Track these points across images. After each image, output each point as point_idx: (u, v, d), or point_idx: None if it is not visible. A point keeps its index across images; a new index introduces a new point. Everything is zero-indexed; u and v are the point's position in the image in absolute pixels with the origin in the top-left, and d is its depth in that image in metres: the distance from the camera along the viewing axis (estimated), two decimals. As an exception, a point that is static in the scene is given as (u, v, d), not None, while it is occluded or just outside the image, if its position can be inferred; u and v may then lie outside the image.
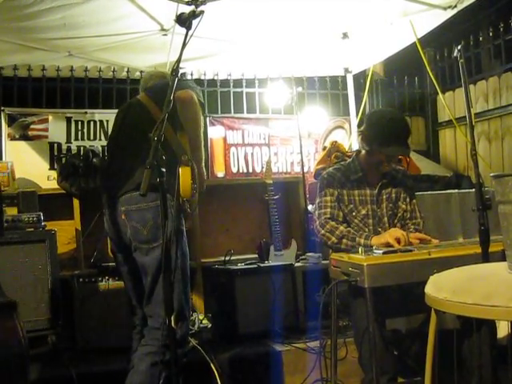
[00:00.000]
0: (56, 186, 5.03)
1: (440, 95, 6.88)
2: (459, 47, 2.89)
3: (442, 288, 1.99)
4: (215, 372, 3.56)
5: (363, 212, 3.49)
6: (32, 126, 5.60)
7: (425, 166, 6.30)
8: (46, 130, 5.64)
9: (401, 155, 3.63)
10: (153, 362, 2.84)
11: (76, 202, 5.00)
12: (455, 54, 2.90)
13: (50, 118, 5.70)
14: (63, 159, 5.28)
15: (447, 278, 2.17)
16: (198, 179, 2.90)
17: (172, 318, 2.43)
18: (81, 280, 4.13)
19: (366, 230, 3.44)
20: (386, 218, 3.51)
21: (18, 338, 2.43)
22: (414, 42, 5.47)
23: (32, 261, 3.97)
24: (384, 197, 3.54)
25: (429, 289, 2.07)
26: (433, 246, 3.14)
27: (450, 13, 4.95)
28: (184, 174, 2.62)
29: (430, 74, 6.36)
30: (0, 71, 4.90)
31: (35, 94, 5.99)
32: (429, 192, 5.01)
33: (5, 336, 2.41)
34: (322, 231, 3.42)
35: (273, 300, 4.24)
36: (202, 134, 3.06)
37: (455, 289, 1.92)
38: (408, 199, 3.62)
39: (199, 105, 2.96)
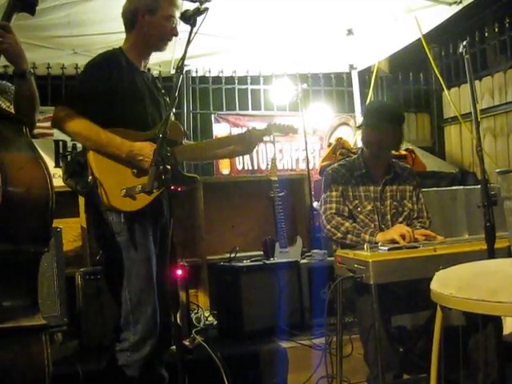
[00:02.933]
0: (61, 184, 4.98)
1: (445, 91, 6.87)
2: (464, 43, 2.88)
3: (448, 284, 1.98)
4: (221, 369, 3.56)
5: (369, 208, 3.49)
6: (37, 124, 5.58)
7: (430, 163, 6.29)
8: (51, 127, 5.65)
9: (379, 132, 3.52)
10: None
11: (81, 200, 5.00)
12: (460, 50, 2.89)
13: (55, 115, 5.71)
14: (68, 157, 5.27)
15: (453, 275, 2.17)
16: None
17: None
18: (86, 277, 4.13)
19: (372, 225, 3.44)
20: (388, 216, 3.50)
21: (43, 366, 2.29)
22: (419, 38, 5.46)
23: (38, 258, 3.98)
24: (388, 194, 3.53)
25: (434, 285, 2.07)
26: (438, 242, 3.14)
27: (455, 8, 4.94)
28: None
29: (436, 70, 6.35)
30: (5, 69, 4.92)
31: (40, 92, 5.97)
32: (434, 188, 5.00)
33: (29, 364, 2.27)
34: (328, 226, 3.42)
35: (278, 297, 4.24)
36: None
37: (461, 285, 1.92)
38: (415, 198, 3.60)
39: None
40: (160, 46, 3.04)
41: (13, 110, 2.68)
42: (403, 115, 3.68)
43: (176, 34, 2.99)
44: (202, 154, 3.25)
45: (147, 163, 2.71)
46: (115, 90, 2.86)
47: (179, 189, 2.75)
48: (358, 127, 3.65)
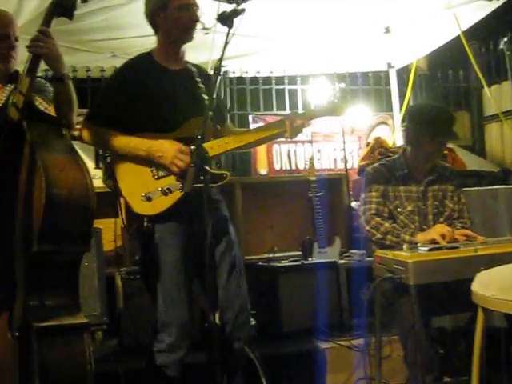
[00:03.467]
0: (101, 185, 5.07)
1: (486, 89, 6.76)
2: (505, 39, 2.85)
3: (490, 285, 1.96)
4: (259, 369, 3.56)
5: (409, 208, 3.45)
6: (78, 126, 5.67)
7: (470, 162, 6.21)
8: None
9: (450, 139, 3.59)
10: None
11: (122, 200, 5.06)
12: (501, 46, 2.86)
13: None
14: (108, 158, 5.34)
15: (494, 276, 2.14)
16: None
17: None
18: (126, 277, 4.17)
19: (412, 226, 3.40)
20: (430, 216, 3.46)
21: (84, 364, 2.32)
22: (458, 35, 5.40)
23: (78, 258, 4.04)
24: (430, 194, 3.49)
25: (475, 286, 2.05)
26: (479, 242, 3.09)
27: (495, 4, 4.88)
28: None
29: (476, 67, 6.25)
30: (46, 73, 4.97)
31: (80, 95, 6.05)
32: (475, 188, 4.93)
33: (71, 362, 2.31)
34: (367, 227, 3.40)
35: (316, 297, 4.23)
36: None
37: (503, 286, 1.90)
38: (456, 198, 3.55)
39: None
40: (183, 37, 2.96)
41: (52, 112, 2.72)
42: None
43: (196, 20, 2.91)
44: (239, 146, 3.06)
45: (167, 160, 2.75)
46: (136, 97, 2.87)
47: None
48: (406, 127, 3.58)
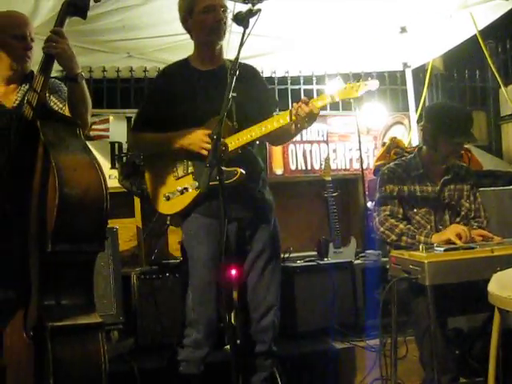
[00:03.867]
0: (117, 185, 5.11)
1: (502, 88, 6.71)
2: (522, 39, 2.82)
3: (506, 286, 1.95)
4: (274, 369, 3.56)
5: (425, 208, 3.44)
6: (93, 127, 5.70)
7: (487, 162, 6.16)
8: (107, 130, 5.75)
9: (468, 142, 3.57)
10: None
11: (137, 201, 5.09)
12: (518, 46, 2.83)
13: (111, 118, 5.81)
14: (124, 158, 5.37)
15: (511, 276, 2.13)
16: None
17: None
18: (142, 277, 4.19)
19: (428, 226, 3.39)
20: (447, 216, 3.45)
21: (99, 363, 2.34)
22: (475, 35, 5.36)
23: (95, 258, 4.06)
24: (446, 194, 3.48)
25: (492, 287, 2.04)
26: (496, 243, 3.08)
27: (512, 3, 4.84)
28: None
29: (492, 66, 6.22)
30: (62, 73, 5.02)
31: (96, 95, 6.11)
32: (491, 188, 4.90)
33: (86, 361, 2.33)
34: (382, 229, 3.39)
35: (332, 297, 4.23)
36: None
37: (519, 287, 1.88)
38: (472, 198, 3.54)
39: None
40: (211, 39, 3.00)
41: (66, 112, 2.74)
42: None
43: (220, 20, 2.93)
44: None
45: (196, 146, 2.84)
46: (170, 99, 2.98)
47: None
48: (423, 127, 3.55)
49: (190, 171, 2.95)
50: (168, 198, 2.94)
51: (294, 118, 2.74)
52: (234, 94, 2.75)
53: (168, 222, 3.92)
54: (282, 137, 3.08)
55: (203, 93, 2.97)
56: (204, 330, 2.91)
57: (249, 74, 3.04)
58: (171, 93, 3.01)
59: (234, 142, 2.84)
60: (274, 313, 3.01)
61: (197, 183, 2.87)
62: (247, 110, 2.83)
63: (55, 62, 2.57)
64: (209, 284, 2.92)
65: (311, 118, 2.73)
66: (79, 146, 2.51)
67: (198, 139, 2.84)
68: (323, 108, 2.84)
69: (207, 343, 2.92)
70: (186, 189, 2.91)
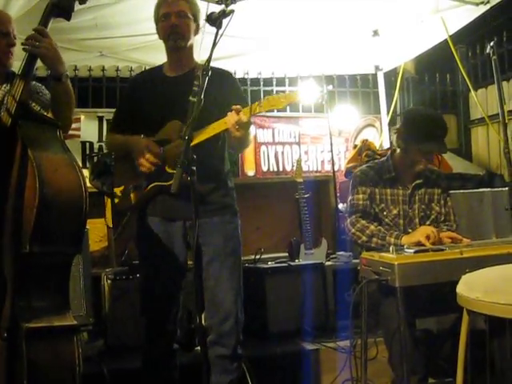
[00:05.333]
0: (88, 185, 5.07)
1: (472, 92, 6.81)
2: (492, 43, 2.86)
3: (474, 288, 1.97)
4: (245, 370, 3.56)
5: (394, 212, 3.46)
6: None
7: (457, 165, 6.23)
8: (78, 129, 5.70)
9: (437, 153, 3.59)
10: None
11: (108, 201, 5.04)
12: (488, 51, 2.87)
13: (82, 117, 5.76)
14: (95, 158, 5.34)
15: (479, 278, 2.15)
16: None
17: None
18: (112, 278, 4.16)
19: (397, 230, 3.42)
20: (417, 220, 3.47)
21: (73, 366, 2.31)
22: (446, 39, 5.42)
23: (64, 258, 4.01)
24: (417, 197, 3.50)
25: (461, 288, 2.06)
26: (465, 245, 3.11)
27: (483, 8, 4.89)
28: None
29: (462, 70, 6.29)
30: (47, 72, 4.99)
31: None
32: (461, 191, 4.96)
33: (60, 364, 2.29)
34: (353, 230, 3.41)
35: (303, 299, 4.24)
36: None
37: (487, 289, 1.91)
38: (443, 201, 3.56)
39: None
40: (170, 45, 3.05)
41: (46, 113, 2.72)
42: None
43: (172, 26, 2.97)
44: None
45: (139, 155, 2.88)
46: (136, 104, 3.07)
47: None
48: (397, 130, 3.56)
49: (140, 171, 2.97)
50: (125, 195, 3.04)
51: (225, 126, 2.72)
52: (194, 99, 2.76)
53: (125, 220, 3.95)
54: (234, 145, 3.04)
55: (164, 99, 3.00)
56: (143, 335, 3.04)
57: (217, 77, 2.99)
58: (137, 98, 3.09)
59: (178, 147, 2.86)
60: (233, 319, 2.95)
61: (145, 183, 2.95)
62: (207, 114, 2.76)
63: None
64: (151, 283, 3.02)
65: (241, 126, 2.69)
66: (59, 146, 2.48)
67: (140, 151, 2.89)
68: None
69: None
70: (138, 186, 2.99)
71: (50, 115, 2.70)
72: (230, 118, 2.67)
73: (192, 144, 2.73)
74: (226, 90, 3.06)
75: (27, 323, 2.25)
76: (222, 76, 3.12)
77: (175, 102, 2.94)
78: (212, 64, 2.63)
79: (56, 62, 2.59)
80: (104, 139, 3.23)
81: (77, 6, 2.65)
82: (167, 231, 2.99)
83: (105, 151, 5.73)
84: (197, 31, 3.10)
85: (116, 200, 3.10)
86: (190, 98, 2.89)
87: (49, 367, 2.26)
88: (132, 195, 3.03)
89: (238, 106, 2.67)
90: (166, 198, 2.90)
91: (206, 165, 2.90)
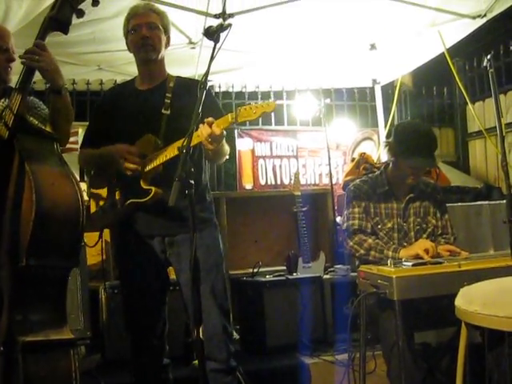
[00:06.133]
0: (86, 198, 5.06)
1: (469, 105, 6.83)
2: (489, 57, 2.87)
3: (473, 301, 1.97)
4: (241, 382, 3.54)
5: (389, 225, 3.46)
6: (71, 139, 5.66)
7: (454, 177, 6.25)
8: (76, 142, 5.69)
9: (426, 167, 3.59)
10: None
11: (105, 214, 5.04)
12: (485, 64, 2.88)
13: (80, 130, 5.76)
14: (92, 171, 5.33)
15: (478, 291, 2.15)
16: None
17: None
18: (110, 291, 4.15)
19: (392, 243, 3.41)
20: (412, 233, 3.46)
21: (70, 380, 2.29)
22: (443, 53, 5.44)
23: (62, 272, 3.99)
24: (411, 211, 3.50)
25: (459, 301, 2.05)
26: (463, 258, 3.10)
27: (479, 22, 4.92)
28: None
29: (459, 84, 6.31)
30: (46, 86, 5.00)
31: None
32: (459, 203, 4.96)
33: (57, 378, 2.27)
34: (351, 243, 3.41)
35: (301, 312, 4.23)
36: None
37: (486, 301, 1.90)
38: (439, 214, 3.56)
39: None
40: (140, 57, 3.02)
41: (44, 127, 2.72)
42: None
43: (143, 37, 2.94)
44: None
45: (121, 160, 2.84)
46: (108, 118, 3.05)
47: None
48: (388, 143, 3.56)
49: (117, 186, 2.96)
50: (104, 212, 3.01)
51: (198, 139, 2.64)
52: (168, 112, 2.76)
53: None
54: (210, 157, 3.02)
55: (136, 112, 2.97)
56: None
57: (191, 88, 2.85)
58: (108, 113, 3.07)
59: (152, 161, 2.84)
60: (221, 333, 2.90)
61: (122, 199, 2.92)
62: (180, 127, 2.72)
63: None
64: (132, 299, 3.04)
65: (214, 139, 2.65)
66: (56, 159, 2.48)
67: (121, 155, 2.86)
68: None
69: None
70: (114, 203, 2.96)
71: (48, 129, 2.69)
72: (203, 131, 2.60)
73: (167, 158, 2.77)
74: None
75: (24, 337, 2.23)
76: (193, 86, 3.03)
77: (147, 116, 2.93)
78: (210, 77, 2.63)
79: (56, 75, 2.59)
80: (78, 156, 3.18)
81: (75, 20, 2.65)
82: (145, 248, 2.96)
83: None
84: (168, 44, 3.07)
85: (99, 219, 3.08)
86: (163, 110, 2.92)
87: (45, 381, 2.25)
88: (114, 211, 2.98)
89: (210, 119, 2.60)
90: (143, 215, 2.90)
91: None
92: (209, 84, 2.62)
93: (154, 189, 2.81)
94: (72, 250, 2.42)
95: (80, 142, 5.66)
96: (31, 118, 2.77)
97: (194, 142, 2.60)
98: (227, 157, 3.09)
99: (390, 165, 3.54)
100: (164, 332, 3.05)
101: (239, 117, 2.60)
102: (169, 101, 2.96)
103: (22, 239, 2.27)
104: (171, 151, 2.75)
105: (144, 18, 2.96)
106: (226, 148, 2.96)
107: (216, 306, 2.91)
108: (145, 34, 2.93)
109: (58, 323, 2.38)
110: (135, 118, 2.95)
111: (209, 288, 2.88)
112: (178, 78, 3.08)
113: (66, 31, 2.63)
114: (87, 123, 5.95)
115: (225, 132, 2.69)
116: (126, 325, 3.11)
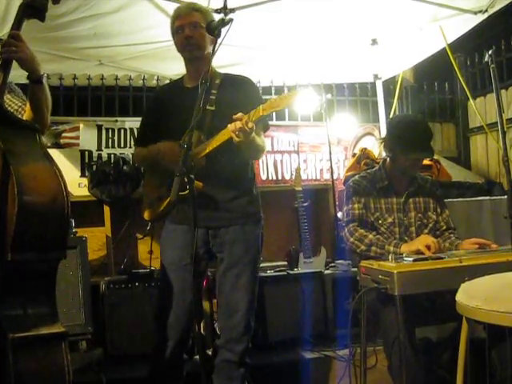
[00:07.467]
0: (87, 193, 5.08)
1: (471, 101, 6.81)
2: (490, 52, 2.87)
3: (474, 296, 1.97)
4: (245, 381, 3.55)
5: (389, 220, 3.46)
6: (63, 134, 5.65)
7: (456, 173, 6.24)
8: (77, 137, 5.70)
9: (422, 158, 3.59)
10: None
11: (107, 209, 5.06)
12: (486, 59, 2.88)
13: (81, 126, 5.76)
14: (94, 167, 5.34)
15: (479, 286, 2.15)
16: None
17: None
18: (111, 286, 4.16)
19: (393, 238, 3.41)
20: (413, 228, 3.47)
21: (63, 375, 2.26)
22: (444, 48, 5.43)
23: (63, 267, 3.99)
24: (412, 205, 3.50)
25: (460, 297, 2.05)
26: (464, 253, 3.11)
27: (481, 17, 4.91)
28: None
29: (461, 79, 6.31)
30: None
31: (67, 103, 6.06)
32: (460, 199, 4.96)
33: (49, 373, 2.25)
34: (351, 239, 3.40)
35: (302, 307, 4.23)
36: None
37: (487, 297, 1.90)
38: (439, 210, 3.57)
39: None
40: (185, 57, 3.12)
41: (27, 111, 2.69)
42: None
43: (186, 37, 3.02)
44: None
45: (168, 157, 2.92)
46: (159, 115, 3.15)
47: None
48: (383, 139, 3.58)
49: (166, 181, 2.96)
50: (150, 206, 3.07)
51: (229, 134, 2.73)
52: (212, 108, 2.78)
53: (148, 228, 4.04)
54: (241, 152, 3.03)
55: (184, 109, 2.97)
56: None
57: (234, 83, 3.11)
58: (158, 110, 3.19)
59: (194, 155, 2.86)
60: (244, 326, 2.98)
61: (167, 192, 2.89)
62: (223, 121, 2.78)
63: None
64: (172, 288, 3.00)
65: (245, 134, 2.69)
66: (39, 152, 2.43)
67: (168, 150, 2.94)
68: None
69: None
70: (161, 197, 2.99)
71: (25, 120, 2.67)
72: (231, 126, 2.69)
73: (205, 153, 2.84)
74: (243, 96, 3.07)
75: (14, 333, 2.21)
76: (238, 82, 3.18)
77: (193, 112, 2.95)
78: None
79: (34, 64, 2.55)
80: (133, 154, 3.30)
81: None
82: (189, 239, 2.96)
83: (104, 160, 5.74)
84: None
85: (147, 212, 3.13)
86: (208, 106, 2.95)
87: (37, 376, 2.23)
88: (159, 205, 3.03)
89: (239, 114, 2.67)
90: (187, 208, 2.89)
91: (226, 172, 2.95)
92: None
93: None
94: (58, 243, 2.38)
95: (81, 137, 5.75)
96: (10, 98, 2.75)
97: (226, 136, 2.75)
98: (265, 152, 3.26)
99: (388, 160, 3.55)
100: (191, 326, 3.07)
101: (269, 107, 2.68)
102: (214, 97, 3.01)
103: (7, 234, 2.24)
104: (213, 144, 2.84)
105: (187, 19, 3.04)
106: (259, 142, 3.01)
107: (246, 300, 2.99)
108: (188, 34, 3.01)
109: (48, 317, 2.35)
110: (182, 115, 2.96)
111: (243, 282, 2.99)
112: (225, 74, 3.16)
113: (42, 18, 2.58)
114: (88, 118, 6.01)
115: (254, 126, 2.72)
116: (156, 316, 3.12)
